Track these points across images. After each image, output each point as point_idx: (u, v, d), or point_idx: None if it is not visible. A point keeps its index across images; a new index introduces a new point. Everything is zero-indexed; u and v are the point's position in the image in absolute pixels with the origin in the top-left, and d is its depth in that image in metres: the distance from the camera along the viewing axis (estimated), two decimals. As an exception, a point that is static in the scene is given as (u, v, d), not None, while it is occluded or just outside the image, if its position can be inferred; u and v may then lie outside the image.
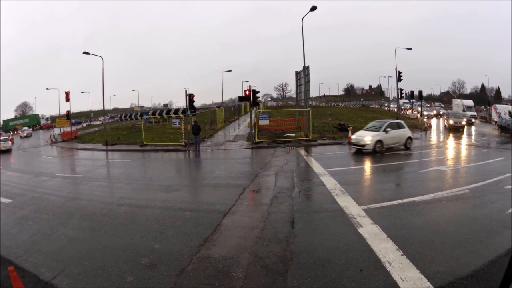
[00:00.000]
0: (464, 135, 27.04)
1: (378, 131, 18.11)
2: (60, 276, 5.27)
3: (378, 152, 17.23)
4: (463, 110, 42.87)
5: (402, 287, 4.38)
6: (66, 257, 6.04)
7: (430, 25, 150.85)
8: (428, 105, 64.94)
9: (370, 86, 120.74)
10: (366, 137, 17.68)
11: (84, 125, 66.63)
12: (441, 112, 48.05)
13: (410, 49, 36.49)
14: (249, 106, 28.66)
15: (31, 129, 61.78)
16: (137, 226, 7.58)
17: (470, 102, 48.61)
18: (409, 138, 19.14)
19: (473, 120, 39.07)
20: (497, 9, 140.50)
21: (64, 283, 5.05)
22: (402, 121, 20.68)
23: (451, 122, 31.52)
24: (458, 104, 48.45)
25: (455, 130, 29.99)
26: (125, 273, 5.23)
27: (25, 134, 52.31)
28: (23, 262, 5.87)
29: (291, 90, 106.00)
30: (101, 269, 5.42)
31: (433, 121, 40.34)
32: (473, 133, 29.68)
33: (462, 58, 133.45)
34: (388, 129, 18.20)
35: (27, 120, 75.22)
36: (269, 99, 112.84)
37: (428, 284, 4.40)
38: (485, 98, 74.07)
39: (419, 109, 48.81)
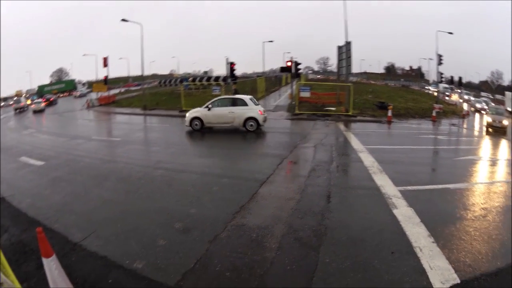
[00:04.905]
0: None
1: None
2: (91, 237, 5.26)
3: None
4: None
5: (430, 275, 4.17)
6: (98, 219, 6.06)
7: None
8: (472, 92, 60.34)
9: (410, 67, 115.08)
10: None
11: (123, 90, 63.06)
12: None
13: (451, 33, 34.37)
14: (290, 77, 28.01)
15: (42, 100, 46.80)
16: (173, 190, 7.64)
17: None
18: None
19: None
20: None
21: (94, 245, 5.00)
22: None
23: (489, 119, 23.11)
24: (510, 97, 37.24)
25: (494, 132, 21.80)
26: (157, 236, 5.23)
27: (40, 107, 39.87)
28: (52, 223, 5.87)
29: (333, 64, 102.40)
30: (133, 232, 5.42)
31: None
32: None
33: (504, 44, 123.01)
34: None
35: (63, 85, 75.10)
36: (311, 71, 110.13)
37: (455, 275, 4.16)
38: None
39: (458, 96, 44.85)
